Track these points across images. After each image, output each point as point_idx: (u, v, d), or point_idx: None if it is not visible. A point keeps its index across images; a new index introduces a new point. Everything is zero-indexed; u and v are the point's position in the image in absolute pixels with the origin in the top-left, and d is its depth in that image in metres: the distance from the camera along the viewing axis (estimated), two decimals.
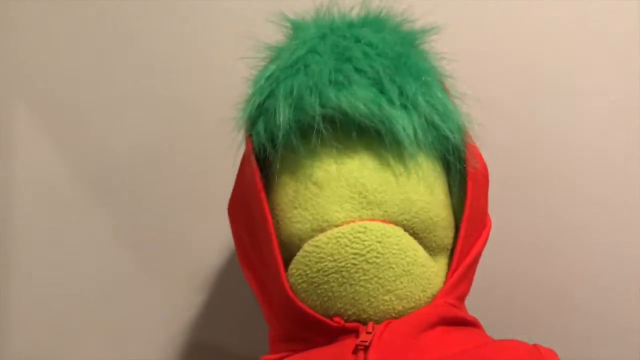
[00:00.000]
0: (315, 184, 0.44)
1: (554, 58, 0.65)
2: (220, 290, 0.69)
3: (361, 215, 0.43)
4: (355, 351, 0.40)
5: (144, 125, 0.70)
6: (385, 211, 0.43)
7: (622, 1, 0.64)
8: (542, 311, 0.65)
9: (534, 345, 0.42)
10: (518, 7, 0.65)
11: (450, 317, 0.43)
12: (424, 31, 0.47)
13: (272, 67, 0.45)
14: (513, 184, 0.65)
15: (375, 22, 0.46)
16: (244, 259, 0.49)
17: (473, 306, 0.48)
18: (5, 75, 0.71)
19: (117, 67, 0.70)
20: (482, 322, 0.47)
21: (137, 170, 0.70)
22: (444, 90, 0.46)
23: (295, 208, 0.44)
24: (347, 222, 0.42)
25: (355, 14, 0.48)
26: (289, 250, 0.44)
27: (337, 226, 0.42)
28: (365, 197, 0.43)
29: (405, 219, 0.43)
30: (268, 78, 0.45)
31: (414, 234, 0.44)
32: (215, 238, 0.68)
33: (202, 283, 0.69)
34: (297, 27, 0.48)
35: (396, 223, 0.43)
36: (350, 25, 0.46)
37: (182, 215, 0.69)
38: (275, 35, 0.48)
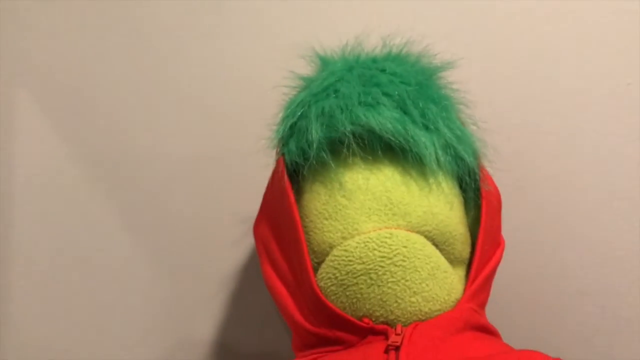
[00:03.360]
0: (344, 196, 0.47)
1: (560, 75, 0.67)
2: (230, 289, 0.70)
3: (387, 225, 0.46)
4: (386, 351, 0.42)
5: (161, 121, 0.71)
6: (409, 222, 0.46)
7: (622, 1, 0.65)
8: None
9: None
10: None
11: (475, 322, 0.45)
12: (441, 66, 0.52)
13: (303, 93, 0.50)
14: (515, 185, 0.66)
15: (397, 58, 0.51)
16: (272, 272, 0.51)
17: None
18: (9, 64, 0.71)
19: (131, 65, 0.71)
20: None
21: (152, 163, 0.70)
22: (460, 117, 0.51)
23: (326, 219, 0.47)
24: (374, 230, 0.45)
25: (377, 52, 0.53)
26: (318, 258, 0.47)
27: (365, 233, 0.45)
28: (390, 209, 0.46)
29: (427, 230, 0.46)
30: (300, 102, 0.49)
31: (435, 245, 0.47)
32: (227, 233, 0.69)
33: (211, 280, 0.70)
34: (325, 62, 0.53)
35: (418, 233, 0.46)
36: (375, 60, 0.51)
37: (195, 212, 0.70)
38: (306, 68, 0.54)
